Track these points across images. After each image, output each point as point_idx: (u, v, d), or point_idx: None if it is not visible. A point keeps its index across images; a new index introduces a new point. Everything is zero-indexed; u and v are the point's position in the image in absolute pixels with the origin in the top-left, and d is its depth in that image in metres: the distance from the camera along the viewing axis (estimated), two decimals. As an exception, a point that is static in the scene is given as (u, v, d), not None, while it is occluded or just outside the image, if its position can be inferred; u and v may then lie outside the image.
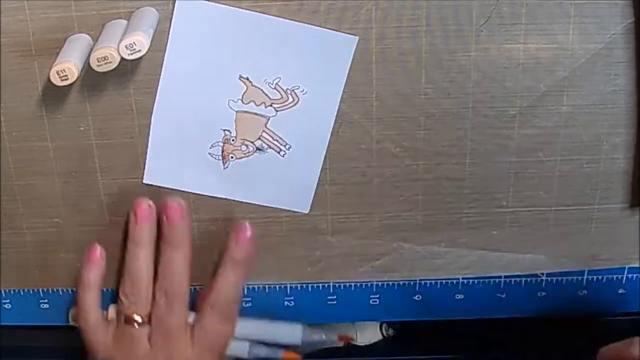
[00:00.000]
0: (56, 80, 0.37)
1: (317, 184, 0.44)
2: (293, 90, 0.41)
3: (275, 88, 0.41)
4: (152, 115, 0.42)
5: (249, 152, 0.43)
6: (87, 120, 0.42)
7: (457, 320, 0.48)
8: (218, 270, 0.43)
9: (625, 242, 0.46)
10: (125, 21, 0.39)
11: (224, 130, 0.42)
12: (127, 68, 0.40)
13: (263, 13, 0.39)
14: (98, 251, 0.43)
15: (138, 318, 0.43)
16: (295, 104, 0.42)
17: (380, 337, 0.51)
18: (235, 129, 0.42)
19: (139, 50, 0.36)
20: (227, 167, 0.43)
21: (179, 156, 0.43)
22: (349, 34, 0.40)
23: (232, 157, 0.43)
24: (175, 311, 0.42)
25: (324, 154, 0.43)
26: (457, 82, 0.41)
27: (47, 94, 0.41)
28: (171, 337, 0.42)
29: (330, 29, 0.40)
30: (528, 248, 0.46)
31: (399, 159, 0.43)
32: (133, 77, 0.41)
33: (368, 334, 0.51)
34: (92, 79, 0.41)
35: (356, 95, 0.41)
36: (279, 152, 0.43)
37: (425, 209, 0.45)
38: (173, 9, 0.39)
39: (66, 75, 0.37)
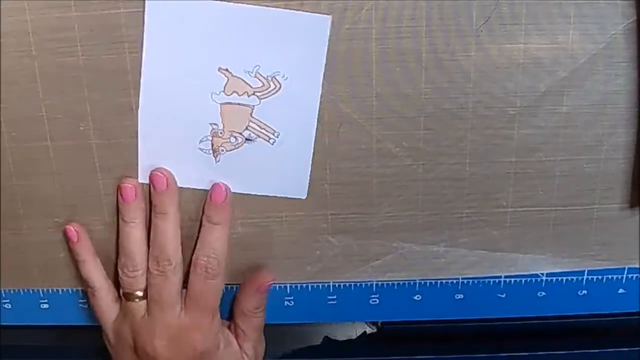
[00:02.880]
0: None
1: (318, 183, 0.44)
2: (274, 77, 0.41)
3: (255, 76, 0.41)
4: (139, 117, 0.41)
5: (238, 143, 0.43)
6: (87, 120, 0.42)
7: (457, 320, 0.48)
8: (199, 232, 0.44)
9: (625, 242, 0.46)
10: None
11: (211, 124, 0.42)
12: (127, 68, 0.40)
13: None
14: (72, 228, 0.44)
15: (138, 292, 0.43)
16: (278, 90, 0.41)
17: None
18: (222, 122, 0.42)
19: None
20: (218, 160, 0.43)
21: (170, 154, 0.43)
22: (324, 14, 0.39)
23: (222, 150, 0.43)
24: (169, 279, 0.43)
25: (314, 137, 0.42)
26: (457, 82, 0.41)
27: (47, 94, 0.41)
28: (166, 305, 0.43)
29: (305, 11, 0.39)
30: (528, 248, 0.46)
31: (399, 159, 0.43)
32: (133, 77, 0.41)
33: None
34: (92, 79, 0.41)
35: (356, 95, 0.41)
36: (268, 141, 0.42)
37: (425, 209, 0.45)
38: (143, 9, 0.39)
39: None
